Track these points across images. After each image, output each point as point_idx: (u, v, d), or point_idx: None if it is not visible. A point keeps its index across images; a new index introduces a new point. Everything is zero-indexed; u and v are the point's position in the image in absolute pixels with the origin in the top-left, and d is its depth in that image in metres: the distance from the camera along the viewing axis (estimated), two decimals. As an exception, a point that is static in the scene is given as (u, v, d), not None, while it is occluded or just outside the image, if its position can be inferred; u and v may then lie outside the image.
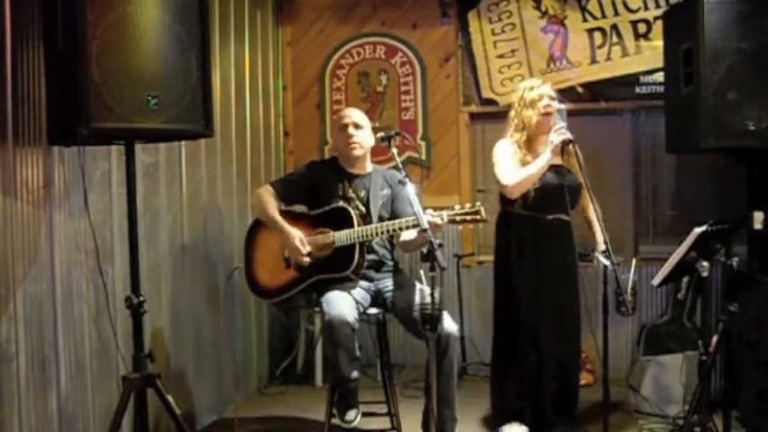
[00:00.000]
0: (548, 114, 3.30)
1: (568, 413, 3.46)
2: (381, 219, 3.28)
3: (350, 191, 3.37)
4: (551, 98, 3.33)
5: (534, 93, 3.36)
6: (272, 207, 3.33)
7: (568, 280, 3.39)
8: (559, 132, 3.15)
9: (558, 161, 3.25)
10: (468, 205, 2.93)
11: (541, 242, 3.38)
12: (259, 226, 3.43)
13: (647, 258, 4.40)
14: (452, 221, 2.91)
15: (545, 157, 3.23)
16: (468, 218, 2.91)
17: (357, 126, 3.34)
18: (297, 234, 3.23)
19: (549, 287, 3.38)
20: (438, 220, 2.88)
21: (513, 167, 3.35)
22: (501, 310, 3.51)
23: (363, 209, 3.33)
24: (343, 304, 3.06)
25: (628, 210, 4.66)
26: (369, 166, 3.44)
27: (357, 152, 3.36)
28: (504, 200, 3.44)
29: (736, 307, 2.93)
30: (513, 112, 3.44)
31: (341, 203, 3.29)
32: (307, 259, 3.21)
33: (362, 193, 3.37)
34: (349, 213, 3.20)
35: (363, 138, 3.36)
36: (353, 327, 3.02)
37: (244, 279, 3.44)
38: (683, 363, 3.75)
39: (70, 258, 2.71)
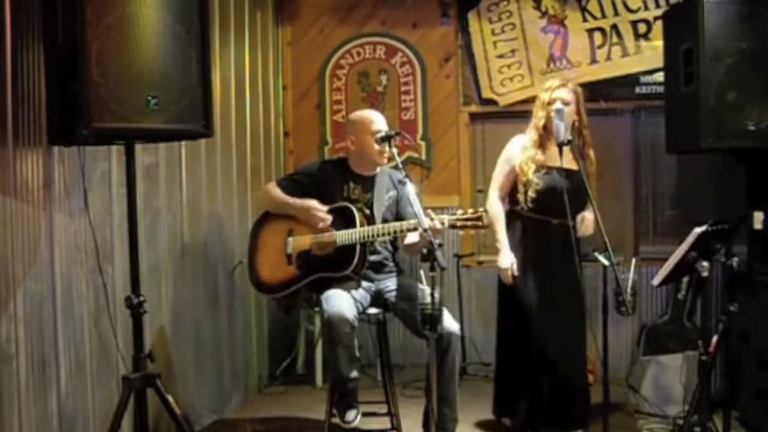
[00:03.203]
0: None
1: (577, 423, 3.44)
2: (385, 221, 3.28)
3: (354, 192, 3.37)
4: (564, 102, 3.32)
5: (547, 95, 3.37)
6: (280, 193, 3.35)
7: (571, 285, 3.37)
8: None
9: (574, 166, 3.21)
10: (470, 211, 2.92)
11: (544, 245, 3.38)
12: (264, 221, 3.44)
13: (647, 258, 4.40)
14: (453, 226, 2.91)
15: (500, 243, 3.40)
16: (470, 224, 2.90)
17: None
18: (308, 200, 3.25)
19: (551, 290, 3.38)
20: (438, 225, 2.87)
21: (501, 189, 3.46)
22: (504, 309, 3.53)
23: (367, 210, 3.33)
24: (342, 302, 3.06)
25: (628, 210, 4.67)
26: (376, 167, 3.45)
27: (382, 162, 3.38)
28: (511, 199, 3.46)
29: (736, 307, 2.93)
30: (534, 109, 3.46)
31: (345, 203, 3.29)
32: (327, 218, 3.21)
33: (367, 195, 3.37)
34: (352, 213, 3.20)
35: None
36: (353, 324, 3.02)
37: (244, 279, 3.44)
38: (683, 363, 3.75)
39: (70, 258, 2.70)
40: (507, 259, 3.38)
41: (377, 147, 3.31)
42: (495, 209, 3.44)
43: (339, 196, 3.35)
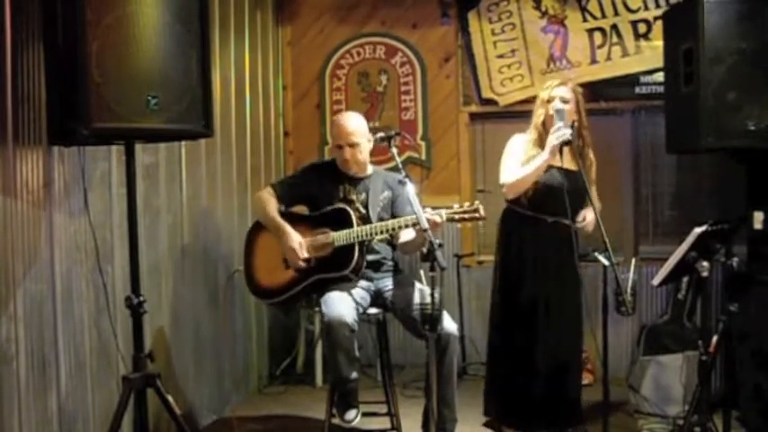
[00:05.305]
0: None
1: (570, 422, 3.45)
2: (382, 221, 3.28)
3: (350, 193, 3.37)
4: (564, 101, 3.33)
5: (546, 93, 3.39)
6: (273, 209, 3.33)
7: (568, 284, 3.38)
8: (557, 136, 3.15)
9: (573, 166, 3.22)
10: (467, 204, 2.94)
11: (541, 243, 3.39)
12: (259, 227, 3.43)
13: (647, 258, 4.40)
14: (451, 220, 2.92)
15: (541, 158, 3.24)
16: (467, 216, 2.92)
17: (352, 145, 3.31)
18: (296, 238, 3.23)
19: (547, 289, 3.39)
20: (437, 218, 2.88)
21: (515, 167, 3.37)
22: (497, 306, 3.54)
23: (363, 211, 3.33)
24: (342, 305, 3.06)
25: (628, 210, 4.67)
26: (368, 169, 3.44)
27: (352, 170, 3.37)
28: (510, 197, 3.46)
29: (736, 307, 2.92)
30: (534, 108, 3.47)
31: (341, 204, 3.29)
32: (303, 264, 3.21)
33: (362, 196, 3.37)
34: (348, 214, 3.21)
35: (358, 154, 3.33)
36: (352, 328, 3.02)
37: (244, 280, 3.44)
38: (683, 363, 3.75)
39: (70, 258, 2.71)
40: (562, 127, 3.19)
41: (337, 156, 3.35)
42: (513, 170, 3.37)
43: (336, 198, 3.35)
